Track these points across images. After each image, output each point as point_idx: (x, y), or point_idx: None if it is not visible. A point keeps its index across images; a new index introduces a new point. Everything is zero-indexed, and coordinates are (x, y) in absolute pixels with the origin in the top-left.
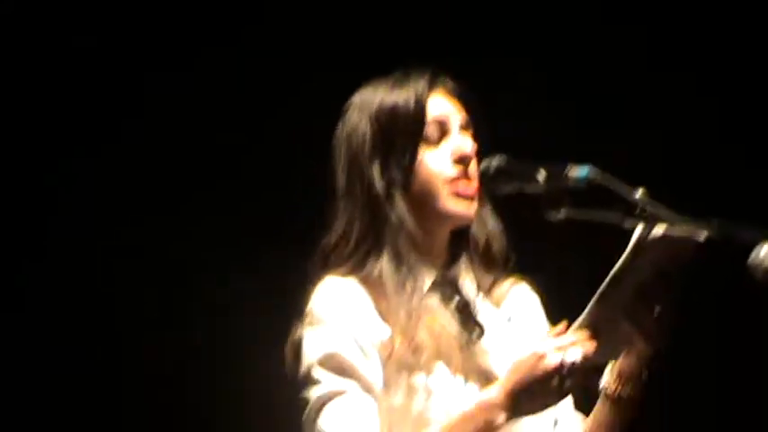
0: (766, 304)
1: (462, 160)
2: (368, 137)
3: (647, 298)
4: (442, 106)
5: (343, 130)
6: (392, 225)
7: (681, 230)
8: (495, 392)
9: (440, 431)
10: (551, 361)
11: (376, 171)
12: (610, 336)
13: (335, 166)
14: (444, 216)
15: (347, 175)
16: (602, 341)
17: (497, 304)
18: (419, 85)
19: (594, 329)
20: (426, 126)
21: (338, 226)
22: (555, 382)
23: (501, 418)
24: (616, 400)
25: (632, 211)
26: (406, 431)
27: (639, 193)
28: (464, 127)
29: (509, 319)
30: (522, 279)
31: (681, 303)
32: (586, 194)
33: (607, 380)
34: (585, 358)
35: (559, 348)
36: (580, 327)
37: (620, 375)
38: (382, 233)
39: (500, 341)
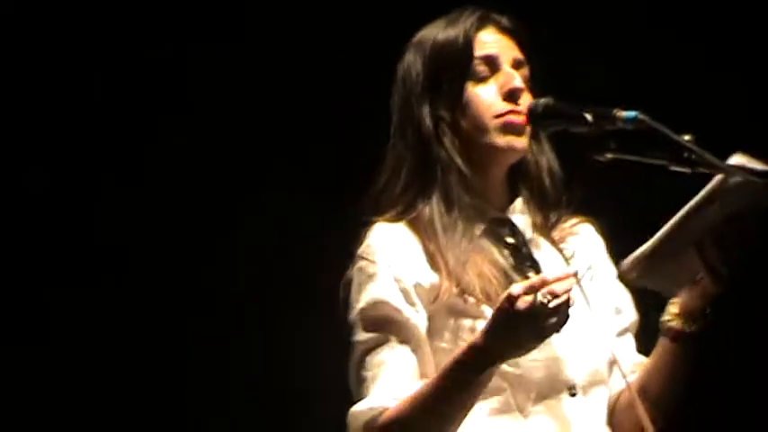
0: None
1: (511, 95)
2: (420, 76)
3: (720, 237)
4: (492, 42)
5: (400, 69)
6: (442, 164)
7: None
8: (477, 335)
9: (435, 378)
10: (522, 303)
11: (425, 110)
12: (675, 268)
13: (393, 107)
14: (494, 150)
15: (400, 116)
16: (666, 272)
17: (559, 243)
18: (469, 21)
19: (660, 258)
20: (474, 62)
21: (388, 168)
22: (530, 322)
23: (484, 360)
24: (677, 337)
25: (680, 154)
26: None
27: (687, 138)
28: (515, 64)
29: (572, 256)
30: (586, 219)
31: (752, 249)
32: (634, 137)
33: (668, 316)
34: (563, 300)
35: (531, 289)
36: (645, 252)
37: (682, 312)
38: (432, 173)
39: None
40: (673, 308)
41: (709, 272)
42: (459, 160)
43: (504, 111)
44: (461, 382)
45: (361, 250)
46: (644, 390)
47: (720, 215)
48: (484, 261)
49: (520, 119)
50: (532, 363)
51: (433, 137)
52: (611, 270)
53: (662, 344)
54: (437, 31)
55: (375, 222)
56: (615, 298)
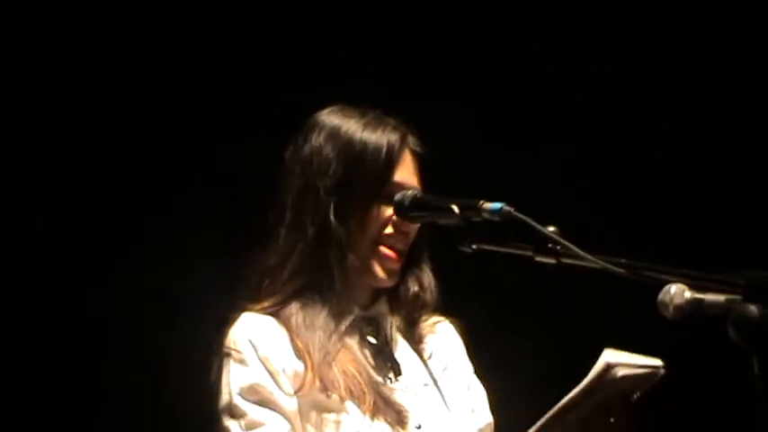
0: None
1: (401, 227)
2: (332, 170)
3: (590, 424)
4: (405, 169)
5: (304, 146)
6: (335, 268)
7: (638, 367)
8: None
9: None
10: None
11: (331, 211)
12: None
13: (289, 180)
14: (369, 275)
15: (300, 200)
16: None
17: (418, 342)
18: (393, 136)
19: None
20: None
21: (278, 252)
22: None
23: None
24: None
25: (544, 246)
26: None
27: (551, 230)
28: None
29: (429, 357)
30: (445, 318)
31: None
32: (499, 229)
33: None
34: None
35: None
36: None
37: None
38: (321, 273)
39: (419, 380)
40: None
41: None
42: (352, 271)
43: (387, 240)
44: None
45: (230, 339)
46: None
47: (598, 404)
48: (348, 359)
49: (395, 257)
50: None
51: (335, 240)
52: (468, 369)
53: None
54: (355, 128)
55: (242, 312)
56: (472, 398)
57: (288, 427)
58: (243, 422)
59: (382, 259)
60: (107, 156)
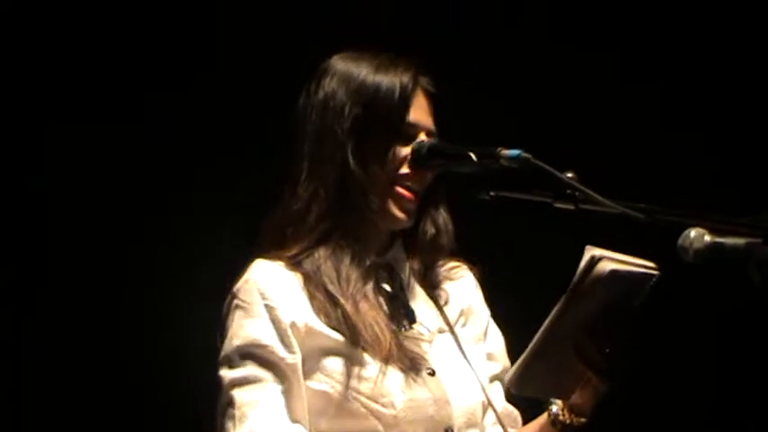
0: None
1: (416, 169)
2: (347, 114)
3: (597, 335)
4: (419, 108)
5: (317, 92)
6: (357, 211)
7: (630, 265)
8: None
9: None
10: None
11: (351, 154)
12: (558, 372)
13: (304, 127)
14: (384, 214)
15: (318, 145)
16: (549, 378)
17: (435, 288)
18: (405, 77)
19: (539, 366)
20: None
21: (300, 199)
22: None
23: None
24: (563, 429)
25: (563, 192)
26: (327, 416)
27: (569, 176)
28: (429, 134)
29: (446, 303)
30: (463, 263)
31: (638, 338)
32: (517, 175)
33: (556, 407)
34: None
35: None
36: (526, 361)
37: (572, 407)
38: (345, 217)
39: (433, 327)
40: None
41: (591, 370)
42: (376, 210)
43: (403, 180)
44: None
45: (240, 286)
46: None
47: (595, 307)
48: (368, 308)
49: (411, 197)
50: (409, 404)
51: (357, 185)
52: (486, 315)
53: (544, 425)
54: (366, 71)
55: (256, 258)
56: (489, 344)
57: (280, 387)
58: (237, 376)
59: (399, 199)
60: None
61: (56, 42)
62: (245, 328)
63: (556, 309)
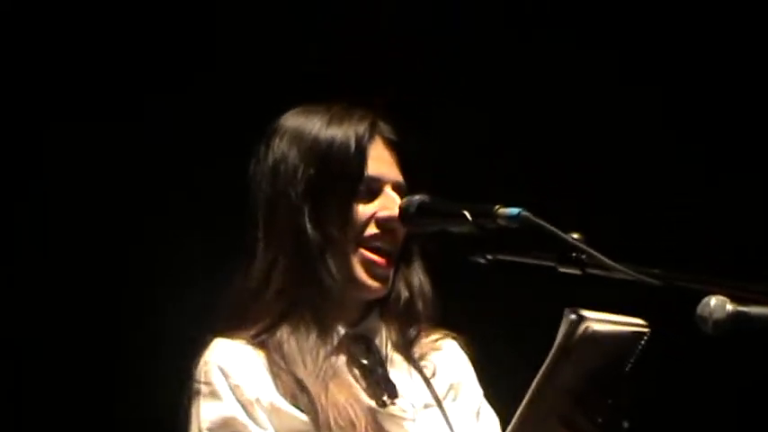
0: None
1: (387, 222)
2: (300, 174)
3: (586, 404)
4: (379, 160)
5: (267, 156)
6: (319, 280)
7: (616, 324)
8: None
9: None
10: None
11: (307, 218)
12: None
13: (256, 195)
14: (355, 284)
15: (272, 213)
16: None
17: (419, 360)
18: (360, 127)
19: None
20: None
21: (258, 272)
22: None
23: None
24: None
25: (568, 255)
26: None
27: (575, 237)
28: (396, 187)
29: (432, 375)
30: (450, 335)
31: (629, 404)
32: (516, 237)
33: None
34: None
35: None
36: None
37: None
38: (306, 287)
39: (418, 401)
40: None
41: None
42: (338, 283)
43: (371, 242)
44: None
45: (200, 369)
46: None
47: (580, 374)
48: (339, 384)
49: (383, 262)
50: None
51: (317, 252)
52: (478, 392)
53: None
54: (318, 126)
55: (214, 337)
56: (482, 425)
57: None
58: None
59: (368, 264)
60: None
61: (55, 42)
62: (211, 410)
63: (537, 380)
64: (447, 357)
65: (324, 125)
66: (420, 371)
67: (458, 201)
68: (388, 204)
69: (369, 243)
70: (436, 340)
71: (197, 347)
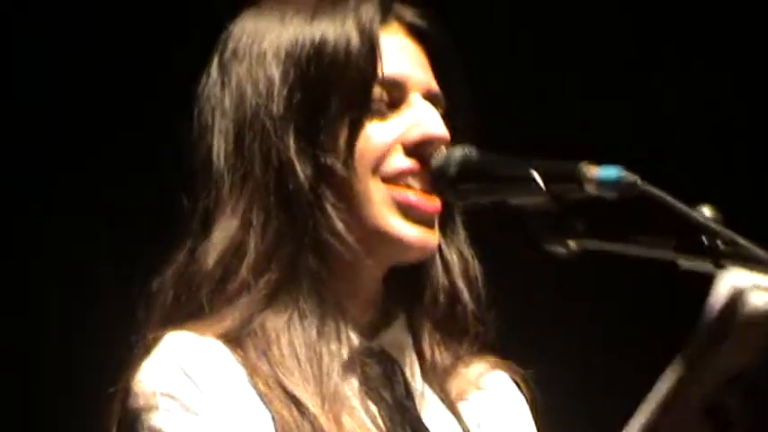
0: None
1: (422, 148)
2: (277, 90)
3: (721, 417)
4: (401, 55)
5: (224, 73)
6: (321, 245)
7: None
8: None
9: None
10: None
11: (295, 150)
12: None
13: (207, 136)
14: (385, 239)
15: (236, 149)
16: None
17: (459, 399)
18: (365, 11)
19: None
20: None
21: (219, 240)
22: None
23: None
24: None
25: (695, 241)
26: None
27: (706, 213)
28: (430, 96)
29: (478, 426)
30: (504, 363)
31: None
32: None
33: None
34: None
35: None
36: None
37: None
38: (304, 255)
39: None
40: None
41: None
42: (349, 239)
43: (407, 169)
44: None
45: (150, 376)
46: None
47: (730, 370)
48: (347, 415)
49: (430, 204)
50: None
51: (311, 196)
52: None
53: None
54: (299, 21)
55: (159, 333)
56: None
57: None
58: None
59: (401, 205)
60: None
61: None
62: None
63: (670, 376)
64: (496, 398)
65: (306, 19)
66: (458, 415)
67: (519, 156)
68: (420, 119)
69: (396, 180)
70: (484, 371)
71: (124, 359)
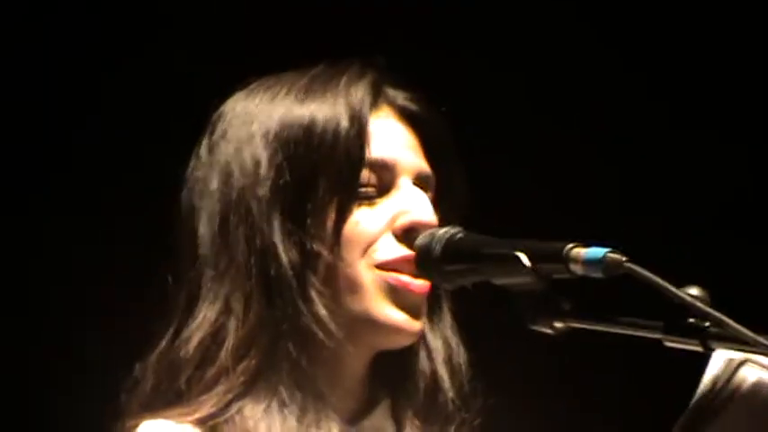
0: None
1: (411, 233)
2: (263, 172)
3: None
4: (390, 138)
5: (213, 151)
6: (303, 332)
7: None
8: None
9: None
10: None
11: (280, 233)
12: None
13: (194, 215)
14: (371, 326)
15: (221, 231)
16: None
17: None
18: (355, 93)
19: None
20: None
21: (199, 324)
22: None
23: None
24: None
25: (682, 321)
26: None
27: (695, 293)
28: (420, 179)
29: None
30: None
31: None
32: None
33: None
34: None
35: None
36: None
37: None
38: (282, 345)
39: None
40: None
41: None
42: (332, 326)
43: (396, 258)
44: None
45: None
46: None
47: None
48: None
49: (419, 285)
50: None
51: (295, 283)
52: None
53: None
54: (287, 101)
55: (136, 421)
56: None
57: None
58: None
59: (391, 290)
60: None
61: None
62: None
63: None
64: None
65: (297, 97)
66: None
67: (503, 236)
68: (409, 205)
69: (387, 266)
70: None
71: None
